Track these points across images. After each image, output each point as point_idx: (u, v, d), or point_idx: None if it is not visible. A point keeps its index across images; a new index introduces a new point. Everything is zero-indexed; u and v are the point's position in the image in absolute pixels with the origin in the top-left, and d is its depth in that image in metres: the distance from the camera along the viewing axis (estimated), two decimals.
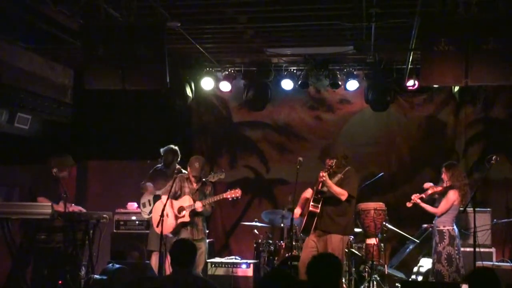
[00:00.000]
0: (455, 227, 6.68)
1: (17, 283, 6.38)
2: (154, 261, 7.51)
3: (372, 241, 7.03)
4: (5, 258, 6.63)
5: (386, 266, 7.20)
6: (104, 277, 6.52)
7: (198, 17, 6.71)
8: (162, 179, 7.66)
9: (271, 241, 7.75)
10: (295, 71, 8.62)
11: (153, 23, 5.87)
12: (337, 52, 7.93)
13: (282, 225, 7.83)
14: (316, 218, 6.30)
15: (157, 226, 6.46)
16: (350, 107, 9.04)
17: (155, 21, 5.96)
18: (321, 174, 6.22)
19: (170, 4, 6.19)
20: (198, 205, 6.68)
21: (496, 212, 7.81)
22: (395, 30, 6.78)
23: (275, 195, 9.12)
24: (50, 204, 6.31)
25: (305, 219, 6.39)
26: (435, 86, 8.05)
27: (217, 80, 8.80)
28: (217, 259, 7.91)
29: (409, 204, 6.80)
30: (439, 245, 6.64)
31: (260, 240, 7.85)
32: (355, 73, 8.47)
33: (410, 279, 7.50)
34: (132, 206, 8.37)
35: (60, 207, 6.39)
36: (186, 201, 6.76)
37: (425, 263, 7.41)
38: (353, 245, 7.19)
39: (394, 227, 7.42)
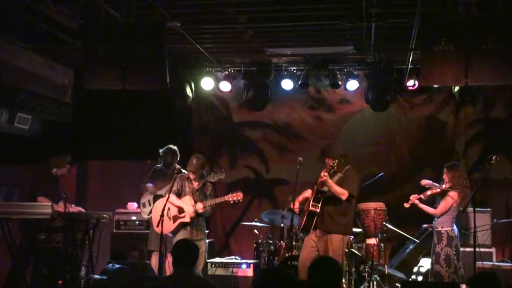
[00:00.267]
0: (455, 227, 6.68)
1: (17, 283, 6.39)
2: (154, 261, 7.51)
3: (372, 241, 7.02)
4: (5, 258, 6.64)
5: (386, 266, 7.20)
6: (104, 277, 6.53)
7: (198, 17, 6.71)
8: (162, 179, 7.67)
9: (271, 241, 7.75)
10: (295, 71, 8.62)
11: (153, 23, 5.86)
12: (337, 52, 7.92)
13: (282, 225, 7.84)
14: (316, 218, 6.31)
15: (157, 226, 6.45)
16: (350, 107, 9.03)
17: (155, 21, 5.95)
18: (322, 174, 6.22)
19: (170, 4, 6.19)
20: (199, 206, 6.65)
21: (496, 212, 7.81)
22: (395, 30, 6.78)
23: (275, 195, 9.11)
24: (50, 204, 6.32)
25: (304, 218, 6.40)
26: (435, 86, 8.05)
27: (217, 80, 8.80)
28: (217, 259, 7.91)
29: (406, 205, 6.79)
30: (437, 246, 6.64)
31: (260, 240, 7.85)
32: (355, 73, 8.47)
33: (410, 279, 7.51)
34: (132, 206, 8.37)
35: (60, 207, 6.40)
36: (187, 201, 6.74)
37: (425, 263, 7.41)
38: (353, 245, 7.19)
39: (394, 227, 7.42)
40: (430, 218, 7.01)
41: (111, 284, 6.42)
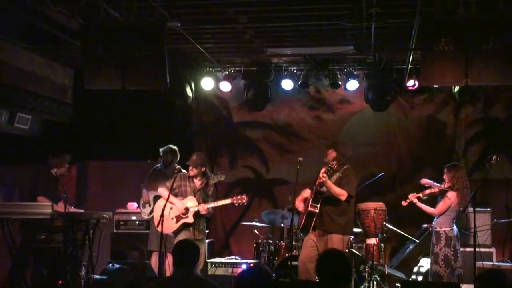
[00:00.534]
0: (454, 228, 6.68)
1: (17, 283, 6.39)
2: (154, 261, 7.51)
3: (372, 241, 7.02)
4: (5, 258, 6.64)
5: (386, 266, 7.20)
6: (104, 277, 6.53)
7: (198, 17, 6.71)
8: (162, 179, 7.65)
9: (271, 241, 7.75)
10: (295, 71, 8.62)
11: (153, 23, 5.85)
12: (337, 52, 7.92)
13: (282, 225, 7.84)
14: (315, 218, 6.30)
15: (158, 226, 6.43)
16: (350, 107, 9.03)
17: (155, 21, 5.94)
18: (321, 175, 6.21)
19: (170, 4, 6.19)
20: (203, 208, 6.62)
21: (496, 212, 7.82)
22: (395, 30, 6.78)
23: (275, 195, 9.11)
24: (50, 204, 6.32)
25: (304, 218, 6.40)
26: (435, 86, 8.04)
27: (217, 80, 8.80)
28: (217, 259, 7.90)
29: (404, 203, 6.79)
30: (435, 246, 6.65)
31: (260, 240, 7.85)
32: (355, 73, 8.47)
33: (410, 279, 7.51)
34: (132, 206, 8.38)
35: (60, 208, 6.40)
36: (190, 202, 6.71)
37: (425, 263, 7.41)
38: (353, 245, 7.19)
39: (394, 227, 7.42)
40: (430, 218, 7.00)
41: (111, 284, 6.42)
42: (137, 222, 8.30)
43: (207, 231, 7.20)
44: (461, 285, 6.17)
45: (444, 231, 6.62)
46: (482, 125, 8.67)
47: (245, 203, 6.74)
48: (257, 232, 7.98)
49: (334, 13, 6.45)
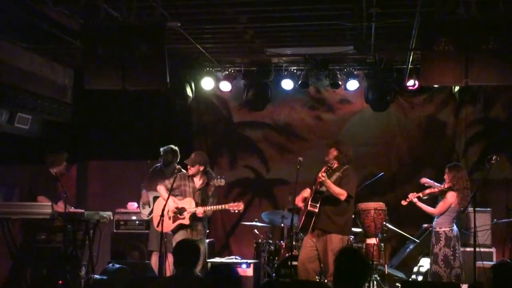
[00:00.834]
0: (454, 228, 6.67)
1: (17, 283, 6.39)
2: (154, 261, 7.51)
3: (372, 241, 7.02)
4: (5, 258, 6.64)
5: (386, 266, 7.20)
6: (104, 277, 6.53)
7: (198, 17, 6.71)
8: (161, 179, 7.64)
9: (271, 241, 7.76)
10: (295, 71, 8.62)
11: (153, 23, 5.86)
12: (337, 52, 7.92)
13: (282, 225, 7.84)
14: (314, 218, 6.30)
15: (157, 226, 6.43)
16: (350, 107, 9.03)
17: (155, 21, 5.95)
18: (320, 175, 6.21)
19: (170, 4, 6.19)
20: (200, 211, 6.52)
21: (496, 212, 7.82)
22: (395, 30, 6.78)
23: (275, 195, 9.11)
24: (50, 204, 6.32)
25: (303, 218, 6.39)
26: (435, 86, 8.05)
27: (217, 80, 8.79)
28: (217, 259, 7.91)
29: (404, 202, 6.78)
30: (435, 246, 6.64)
31: (260, 240, 7.86)
32: (355, 73, 8.47)
33: (410, 279, 7.51)
34: (132, 206, 8.37)
35: (59, 208, 6.40)
36: (188, 203, 6.65)
37: (425, 263, 7.41)
38: (353, 245, 7.19)
39: (394, 227, 7.43)
40: (430, 218, 7.00)
41: (111, 284, 6.42)
42: (137, 222, 8.30)
43: (207, 231, 7.19)
44: (461, 285, 6.17)
45: (444, 231, 6.61)
46: (482, 125, 8.67)
47: (241, 211, 6.72)
48: (257, 232, 7.98)
49: (334, 13, 6.46)
